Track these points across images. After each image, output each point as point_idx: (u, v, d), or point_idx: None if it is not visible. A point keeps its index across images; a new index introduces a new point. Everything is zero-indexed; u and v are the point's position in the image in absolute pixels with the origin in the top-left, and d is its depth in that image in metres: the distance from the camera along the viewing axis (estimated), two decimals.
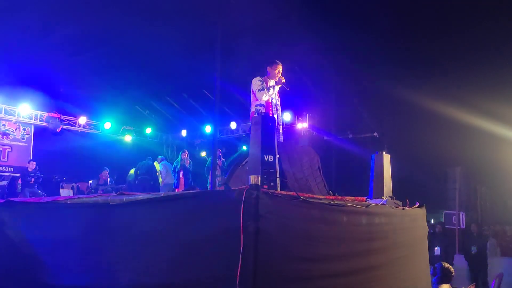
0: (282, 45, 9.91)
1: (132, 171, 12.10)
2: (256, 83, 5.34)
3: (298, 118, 12.40)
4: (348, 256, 3.73)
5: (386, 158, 5.43)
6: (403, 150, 9.02)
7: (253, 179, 2.97)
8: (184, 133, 14.98)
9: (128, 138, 14.33)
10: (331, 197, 3.70)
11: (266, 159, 3.50)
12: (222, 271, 3.00)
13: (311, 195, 3.54)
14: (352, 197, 4.09)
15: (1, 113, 12.15)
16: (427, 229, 5.50)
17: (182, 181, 11.38)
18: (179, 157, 11.58)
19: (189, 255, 3.26)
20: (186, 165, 11.49)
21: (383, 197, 4.99)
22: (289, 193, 3.31)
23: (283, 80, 5.42)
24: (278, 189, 3.56)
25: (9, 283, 4.62)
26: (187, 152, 11.89)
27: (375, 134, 10.62)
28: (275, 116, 5.19)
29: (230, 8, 8.02)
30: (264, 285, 2.88)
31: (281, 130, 5.24)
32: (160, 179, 12.02)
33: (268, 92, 5.31)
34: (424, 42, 8.99)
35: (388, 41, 8.98)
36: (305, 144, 11.45)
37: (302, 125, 12.25)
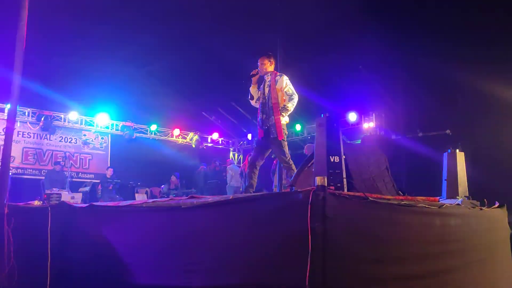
0: (345, 45, 9.77)
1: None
2: None
3: (364, 117, 12.13)
4: (420, 258, 3.59)
5: (460, 156, 5.16)
6: (478, 148, 8.50)
7: (319, 180, 2.97)
8: (249, 136, 15.24)
9: (195, 144, 14.83)
10: (401, 197, 3.59)
11: (332, 160, 3.48)
12: (290, 274, 3.02)
13: (379, 196, 3.46)
14: (424, 197, 3.94)
15: (82, 124, 13.12)
16: (509, 231, 5.14)
17: None
18: (246, 161, 11.82)
19: (257, 257, 3.32)
20: None
21: (457, 197, 4.75)
22: (357, 193, 3.26)
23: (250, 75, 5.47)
24: (345, 190, 3.52)
25: (93, 282, 4.97)
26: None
27: (448, 131, 10.10)
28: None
29: (291, 11, 8.05)
30: (334, 287, 2.87)
31: (273, 121, 5.24)
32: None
33: (249, 97, 5.55)
34: (503, 28, 8.35)
35: (460, 30, 8.49)
36: (371, 144, 11.16)
37: (368, 125, 11.96)
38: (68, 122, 12.79)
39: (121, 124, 13.69)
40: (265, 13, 8.21)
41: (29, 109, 11.90)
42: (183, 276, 3.86)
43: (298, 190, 3.13)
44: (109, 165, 12.96)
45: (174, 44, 9.85)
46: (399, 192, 4.01)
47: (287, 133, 5.57)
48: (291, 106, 5.35)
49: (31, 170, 12.04)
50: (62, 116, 12.64)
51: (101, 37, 9.34)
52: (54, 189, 10.19)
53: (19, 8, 5.16)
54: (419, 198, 3.77)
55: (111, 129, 13.69)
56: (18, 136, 11.64)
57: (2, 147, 11.04)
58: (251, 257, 3.37)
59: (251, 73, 5.49)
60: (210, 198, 3.78)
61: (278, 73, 5.50)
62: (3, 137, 11.03)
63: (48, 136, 12.50)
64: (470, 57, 8.67)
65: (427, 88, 10.30)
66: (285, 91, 5.35)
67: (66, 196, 6.04)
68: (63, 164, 12.11)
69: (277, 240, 3.18)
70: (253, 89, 5.56)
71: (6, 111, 11.29)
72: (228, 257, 3.54)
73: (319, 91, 11.69)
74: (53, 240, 5.13)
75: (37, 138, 12.33)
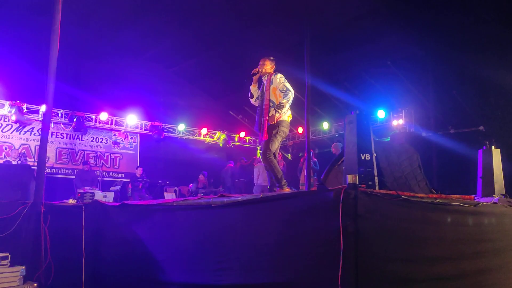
0: (373, 40, 9.62)
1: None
2: None
3: (392, 114, 11.91)
4: (455, 258, 3.51)
5: (496, 153, 5.00)
6: None
7: (350, 178, 2.93)
8: None
9: (223, 143, 14.92)
10: (434, 195, 3.52)
11: (363, 158, 3.44)
12: (322, 272, 3.00)
13: (412, 194, 3.39)
14: (458, 196, 3.84)
15: (112, 124, 13.39)
16: None
17: None
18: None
19: (288, 255, 3.31)
20: (280, 167, 11.67)
21: (494, 195, 4.61)
22: (389, 192, 3.21)
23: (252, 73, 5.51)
24: (377, 188, 3.47)
25: (125, 278, 5.07)
26: (280, 154, 12.08)
27: (481, 128, 9.80)
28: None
29: (319, 6, 7.97)
30: (366, 286, 2.83)
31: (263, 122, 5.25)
32: None
33: (249, 96, 5.58)
34: None
35: (494, 24, 8.22)
36: (401, 141, 10.95)
37: (397, 122, 11.74)
38: (99, 122, 13.07)
39: (149, 124, 13.90)
40: (292, 10, 8.17)
41: (62, 110, 12.23)
42: (214, 274, 3.90)
43: (329, 188, 3.11)
44: (138, 165, 13.19)
45: (200, 44, 9.94)
46: (433, 190, 3.92)
47: (287, 131, 5.56)
48: (286, 101, 5.30)
49: (64, 170, 12.38)
50: (93, 116, 12.94)
51: (130, 39, 9.53)
52: (85, 188, 10.45)
53: (53, 12, 5.31)
54: (453, 196, 3.68)
55: (140, 129, 13.93)
56: (52, 136, 11.98)
57: (37, 148, 11.38)
58: (281, 255, 3.36)
59: (252, 71, 5.53)
60: (240, 197, 3.80)
61: (273, 73, 5.50)
62: (38, 137, 11.46)
63: (80, 136, 12.83)
64: (504, 51, 8.40)
65: (459, 84, 10.03)
66: (280, 89, 5.35)
67: (99, 194, 6.17)
68: (93, 163, 12.40)
69: (308, 239, 3.17)
70: (253, 88, 5.61)
71: (40, 112, 11.66)
72: (258, 255, 3.54)
73: (346, 88, 11.56)
74: (87, 237, 5.27)
75: (69, 138, 12.67)
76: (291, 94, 5.36)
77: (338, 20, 8.67)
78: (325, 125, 13.51)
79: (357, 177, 2.99)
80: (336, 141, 10.90)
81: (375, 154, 3.54)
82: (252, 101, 5.64)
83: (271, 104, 5.34)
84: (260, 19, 8.73)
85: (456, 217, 3.56)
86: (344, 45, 9.80)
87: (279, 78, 5.39)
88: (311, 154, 10.04)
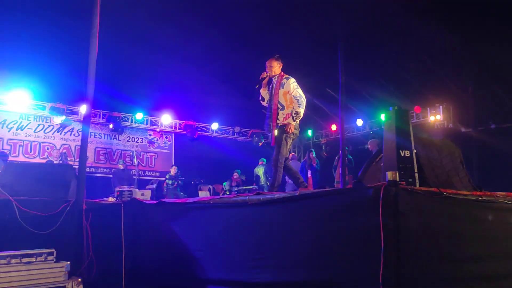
0: (409, 35, 9.39)
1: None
2: None
3: (430, 110, 11.61)
4: (501, 257, 3.38)
5: None
6: None
7: (390, 175, 2.87)
8: (309, 132, 15.13)
9: (256, 141, 14.95)
10: (478, 193, 3.39)
11: (403, 155, 3.36)
12: (362, 271, 2.96)
13: (455, 191, 3.29)
14: (504, 193, 3.69)
15: (147, 124, 13.69)
16: None
17: (310, 180, 11.52)
18: (306, 157, 11.76)
19: (326, 253, 3.29)
20: (313, 164, 11.62)
21: None
22: (431, 189, 3.12)
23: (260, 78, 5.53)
24: (417, 185, 3.38)
25: (164, 275, 5.17)
26: (313, 152, 12.01)
27: None
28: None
29: (353, 1, 7.85)
30: (408, 286, 2.77)
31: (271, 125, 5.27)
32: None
33: (260, 99, 5.58)
34: None
35: None
36: (437, 136, 10.67)
37: (434, 118, 11.44)
38: (135, 122, 13.39)
39: (183, 123, 14.11)
40: (326, 6, 8.07)
41: (100, 111, 12.60)
42: (251, 272, 3.91)
43: (368, 185, 3.06)
44: (173, 163, 13.42)
45: (233, 43, 9.98)
46: (476, 187, 3.79)
47: (298, 132, 5.53)
48: (302, 110, 5.31)
49: (102, 169, 12.76)
50: (129, 116, 13.26)
51: (164, 40, 9.68)
52: (122, 186, 10.71)
53: (91, 16, 5.46)
54: (498, 193, 3.54)
55: (174, 128, 14.16)
56: (90, 136, 12.35)
57: (77, 148, 11.74)
58: (318, 253, 3.34)
59: (261, 76, 5.50)
60: (276, 195, 3.79)
61: (284, 75, 5.43)
62: (78, 137, 11.85)
63: (117, 136, 13.18)
64: None
65: (500, 77, 9.66)
66: (293, 95, 5.29)
67: (137, 193, 6.31)
68: (129, 162, 12.70)
69: (346, 237, 3.13)
70: (263, 91, 5.56)
71: (79, 113, 12.04)
72: (295, 253, 3.53)
73: (381, 84, 11.35)
74: (126, 234, 5.40)
75: (107, 138, 13.04)
76: (304, 101, 5.36)
77: (373, 15, 8.50)
78: (359, 122, 13.32)
79: (397, 174, 2.92)
80: (370, 138, 10.73)
81: (415, 151, 3.46)
82: (264, 103, 5.62)
83: (280, 107, 5.34)
84: (293, 16, 8.69)
85: (502, 215, 3.43)
86: (379, 40, 9.62)
87: (292, 84, 5.33)
88: (347, 151, 9.94)
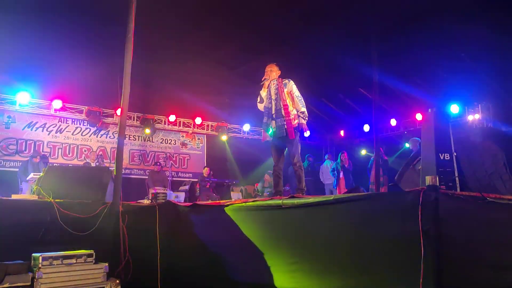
0: (445, 33, 9.11)
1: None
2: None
3: (468, 109, 11.22)
4: None
5: None
6: None
7: (429, 179, 2.78)
8: (342, 133, 14.94)
9: None
10: None
11: (442, 158, 3.25)
12: (400, 279, 2.88)
13: (498, 196, 3.16)
14: None
15: (180, 126, 13.88)
16: None
17: (342, 181, 11.38)
18: (339, 158, 11.61)
19: (362, 258, 3.22)
20: (346, 165, 11.47)
21: None
22: (472, 193, 3.01)
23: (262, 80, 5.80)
24: (458, 190, 3.27)
25: (197, 277, 5.21)
26: (346, 153, 11.85)
27: None
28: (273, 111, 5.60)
29: (387, 1, 7.68)
30: None
31: (283, 122, 5.48)
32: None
33: (258, 100, 5.81)
34: None
35: None
36: (477, 136, 10.29)
37: (473, 117, 11.05)
38: (168, 124, 13.60)
39: (215, 124, 14.23)
40: (360, 3, 7.92)
41: (134, 114, 12.87)
42: (285, 276, 3.88)
43: (406, 190, 2.97)
44: (205, 164, 13.55)
45: (264, 45, 9.96)
46: None
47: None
48: (305, 109, 5.70)
49: (137, 171, 13.03)
50: (162, 119, 13.48)
51: (196, 42, 9.77)
52: (157, 188, 10.90)
53: (126, 21, 5.58)
54: None
55: (206, 130, 14.29)
56: (125, 139, 12.65)
57: (113, 150, 12.03)
58: (355, 258, 3.28)
59: (263, 78, 5.80)
60: (311, 198, 3.75)
61: (283, 79, 5.76)
62: (114, 140, 12.15)
63: (150, 138, 13.43)
64: None
65: None
66: (295, 95, 5.64)
67: (171, 195, 6.41)
68: (163, 164, 12.91)
69: (384, 243, 3.05)
70: (263, 93, 5.81)
71: (115, 116, 12.34)
72: (331, 258, 3.48)
73: (416, 83, 11.07)
74: (161, 236, 5.49)
75: (141, 140, 13.31)
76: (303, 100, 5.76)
77: (408, 11, 8.28)
78: (393, 122, 13.04)
79: (437, 178, 2.83)
80: (412, 138, 10.49)
81: (455, 153, 3.34)
82: (261, 105, 5.85)
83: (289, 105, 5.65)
84: (325, 17, 8.58)
85: None
86: (413, 37, 9.37)
87: (293, 85, 5.70)
88: (381, 152, 9.75)
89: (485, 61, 9.68)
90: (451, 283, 2.71)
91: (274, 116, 5.66)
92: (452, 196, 2.87)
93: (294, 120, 5.62)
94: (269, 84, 5.77)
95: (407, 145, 11.23)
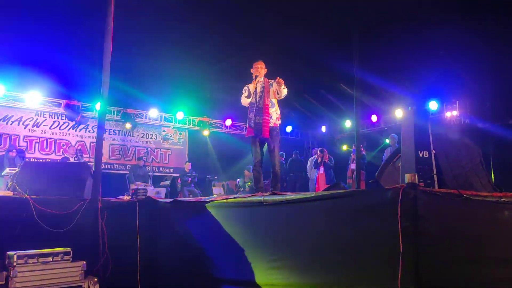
0: (424, 29, 9.21)
1: None
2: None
3: (446, 106, 11.41)
4: None
5: None
6: None
7: (409, 177, 2.82)
8: (323, 129, 15.02)
9: None
10: (499, 194, 3.31)
11: (421, 156, 3.30)
12: (380, 275, 2.91)
13: (474, 193, 3.22)
14: None
15: (162, 121, 13.74)
16: None
17: (321, 177, 11.40)
18: (316, 155, 11.69)
19: (343, 255, 3.25)
20: (326, 161, 11.51)
21: None
22: (450, 191, 3.06)
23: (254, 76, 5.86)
24: (436, 186, 3.32)
25: (178, 274, 5.18)
26: (325, 149, 11.88)
27: None
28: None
29: None
30: None
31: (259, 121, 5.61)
32: None
33: (245, 94, 5.84)
34: None
35: None
36: (455, 133, 10.48)
37: (451, 113, 11.25)
38: (149, 119, 13.45)
39: (197, 119, 14.14)
40: (340, 2, 7.95)
41: (114, 108, 12.68)
42: (266, 273, 3.89)
43: (386, 187, 3.00)
44: (187, 160, 13.45)
45: (245, 40, 9.91)
46: (496, 188, 3.70)
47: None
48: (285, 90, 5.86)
49: (117, 165, 12.86)
50: (144, 113, 13.32)
51: (178, 37, 9.66)
52: (138, 183, 10.79)
53: (105, 15, 5.48)
54: None
55: (188, 125, 14.19)
56: (105, 133, 12.44)
57: (92, 144, 11.83)
58: (336, 255, 3.30)
59: (254, 74, 5.88)
60: (292, 195, 3.76)
61: (270, 80, 5.88)
62: (93, 134, 11.95)
63: (131, 132, 13.26)
64: None
65: None
66: (281, 88, 5.79)
67: (151, 191, 6.35)
68: (145, 159, 12.78)
69: (364, 239, 3.08)
70: (252, 88, 5.87)
71: (94, 110, 12.13)
72: (311, 254, 3.50)
73: (396, 79, 11.18)
74: (142, 232, 5.42)
75: (121, 135, 13.13)
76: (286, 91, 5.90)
77: (388, 8, 8.35)
78: (374, 118, 13.17)
79: (416, 176, 2.86)
80: (391, 134, 10.61)
81: (433, 151, 3.39)
82: (247, 100, 5.90)
83: (270, 105, 5.79)
84: (306, 14, 8.58)
85: None
86: (393, 35, 9.45)
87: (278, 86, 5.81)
88: (361, 147, 9.83)
89: (463, 58, 9.84)
90: (429, 279, 2.75)
91: (256, 113, 5.74)
92: (430, 193, 2.91)
93: (278, 120, 5.85)
94: (259, 79, 5.85)
95: (387, 140, 11.36)
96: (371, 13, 8.49)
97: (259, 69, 5.88)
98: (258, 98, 5.78)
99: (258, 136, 5.74)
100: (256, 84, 5.84)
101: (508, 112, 10.15)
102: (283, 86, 5.77)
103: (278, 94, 5.82)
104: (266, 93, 5.75)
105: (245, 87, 5.94)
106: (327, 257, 3.31)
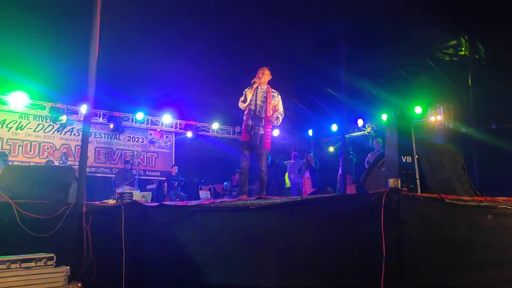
0: (409, 35, 9.36)
1: None
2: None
3: (430, 111, 11.58)
4: (503, 263, 3.37)
5: None
6: None
7: (392, 182, 2.86)
8: (310, 132, 15.10)
9: None
10: (479, 198, 3.38)
11: (404, 160, 3.34)
12: (363, 279, 2.94)
13: (456, 197, 3.27)
14: (505, 198, 3.67)
15: (148, 124, 13.67)
16: None
17: (307, 181, 11.46)
18: (306, 158, 11.74)
19: (328, 260, 3.27)
20: (312, 164, 11.57)
21: None
22: (432, 195, 3.11)
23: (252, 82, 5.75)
24: (419, 192, 3.37)
25: (164, 279, 5.15)
26: (311, 153, 11.94)
27: None
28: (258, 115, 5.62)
29: (354, 2, 7.81)
30: None
31: (262, 131, 5.57)
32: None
33: (241, 99, 5.72)
34: None
35: None
36: (439, 139, 10.65)
37: (435, 118, 11.42)
38: (135, 122, 13.37)
39: (184, 123, 14.10)
40: (328, 4, 8.01)
41: (100, 111, 12.58)
42: (252, 277, 3.89)
43: (370, 192, 3.04)
44: (173, 163, 13.41)
45: (233, 43, 9.94)
46: (477, 192, 3.77)
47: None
48: (277, 122, 5.81)
49: (102, 169, 12.74)
50: (130, 116, 13.24)
51: (165, 40, 9.64)
52: (124, 186, 10.70)
53: (91, 17, 5.45)
54: (499, 198, 3.52)
55: (175, 128, 14.15)
56: (90, 136, 12.31)
57: (77, 147, 11.71)
58: (321, 260, 3.32)
59: (253, 81, 5.77)
60: (278, 199, 3.78)
61: (273, 90, 5.83)
62: (78, 137, 11.82)
63: (117, 136, 13.16)
64: None
65: (502, 77, 9.63)
66: (279, 110, 5.79)
67: (137, 195, 6.30)
68: (132, 162, 12.69)
69: (348, 244, 3.11)
70: (249, 94, 5.76)
71: (80, 113, 12.01)
72: (297, 259, 3.51)
73: (382, 84, 11.33)
74: (127, 237, 5.37)
75: (107, 138, 13.02)
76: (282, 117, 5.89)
77: (374, 15, 8.46)
78: (360, 122, 13.29)
79: (399, 181, 2.90)
80: (371, 138, 10.72)
81: (416, 156, 3.44)
82: (243, 105, 5.80)
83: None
84: (293, 17, 8.64)
85: (504, 221, 3.42)
86: (379, 40, 9.58)
87: (280, 100, 5.83)
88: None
89: (447, 63, 10.02)
90: (411, 283, 2.79)
91: (255, 122, 5.66)
92: (413, 198, 2.95)
93: (272, 131, 5.83)
94: (257, 87, 5.74)
95: (372, 144, 11.46)
96: (358, 18, 8.59)
97: (259, 75, 5.77)
98: (258, 108, 5.69)
99: (255, 145, 5.63)
100: (256, 90, 5.73)
101: (491, 117, 10.33)
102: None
103: (275, 110, 5.77)
104: (268, 104, 5.68)
105: (244, 91, 5.81)
106: (311, 261, 3.33)
